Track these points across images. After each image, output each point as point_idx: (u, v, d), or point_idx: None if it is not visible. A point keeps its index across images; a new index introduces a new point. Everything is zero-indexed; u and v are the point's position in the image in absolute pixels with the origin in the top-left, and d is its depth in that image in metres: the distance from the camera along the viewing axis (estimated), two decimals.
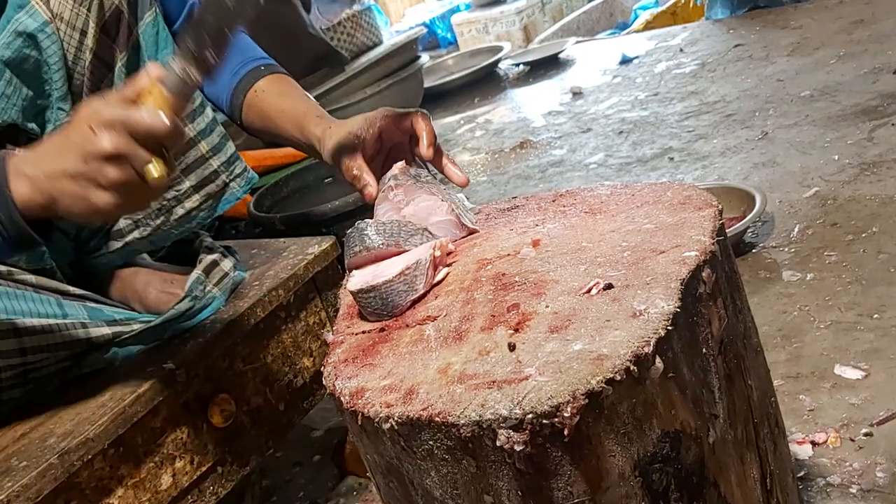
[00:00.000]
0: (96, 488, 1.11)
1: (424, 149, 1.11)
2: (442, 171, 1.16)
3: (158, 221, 1.30)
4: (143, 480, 1.16)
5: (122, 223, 1.28)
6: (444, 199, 1.06)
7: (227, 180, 1.32)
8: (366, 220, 1.01)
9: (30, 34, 1.10)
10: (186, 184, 1.29)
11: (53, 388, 1.22)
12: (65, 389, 1.21)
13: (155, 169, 0.88)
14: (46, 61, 1.12)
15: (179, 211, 1.30)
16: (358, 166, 1.12)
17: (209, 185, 1.30)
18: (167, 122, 0.87)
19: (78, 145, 0.86)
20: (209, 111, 1.30)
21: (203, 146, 1.28)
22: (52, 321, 1.15)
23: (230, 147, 1.33)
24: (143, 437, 1.16)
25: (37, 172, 0.90)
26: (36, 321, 1.14)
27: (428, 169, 1.15)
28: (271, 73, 1.28)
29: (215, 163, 1.30)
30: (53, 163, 0.88)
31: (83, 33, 1.14)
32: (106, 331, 1.22)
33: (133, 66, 1.20)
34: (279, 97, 1.25)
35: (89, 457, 1.08)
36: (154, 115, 0.87)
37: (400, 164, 1.09)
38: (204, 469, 1.23)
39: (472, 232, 1.07)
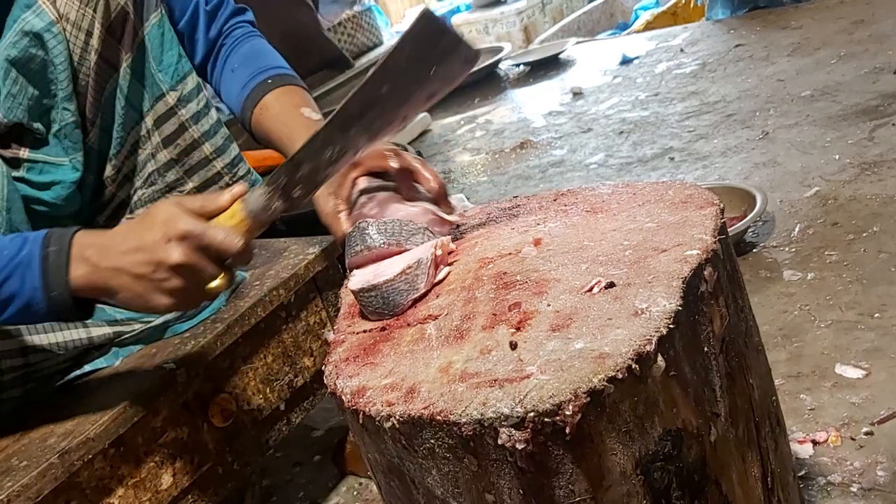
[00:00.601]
0: (97, 488, 1.10)
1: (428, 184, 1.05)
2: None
3: None
4: (143, 480, 1.15)
5: None
6: (414, 204, 1.04)
7: (230, 182, 1.32)
8: (367, 219, 1.01)
9: (36, 34, 1.10)
10: (190, 185, 1.28)
11: (54, 388, 1.22)
12: (65, 389, 1.22)
13: (218, 281, 0.93)
14: (52, 61, 1.12)
15: None
16: (332, 214, 1.08)
17: (212, 186, 1.30)
18: (241, 245, 0.91)
19: (149, 250, 0.90)
20: (213, 113, 1.30)
21: (207, 147, 1.28)
22: None
23: (234, 149, 1.33)
24: (144, 436, 1.16)
25: (100, 262, 0.93)
26: None
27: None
28: (278, 87, 1.24)
29: (219, 164, 1.30)
30: (120, 259, 0.92)
31: (89, 34, 1.14)
32: (107, 330, 1.22)
33: (138, 68, 1.20)
34: (278, 118, 1.21)
35: (90, 456, 1.08)
36: (229, 236, 0.91)
37: (363, 178, 1.06)
38: (204, 469, 1.23)
39: (453, 224, 1.06)
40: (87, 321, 1.20)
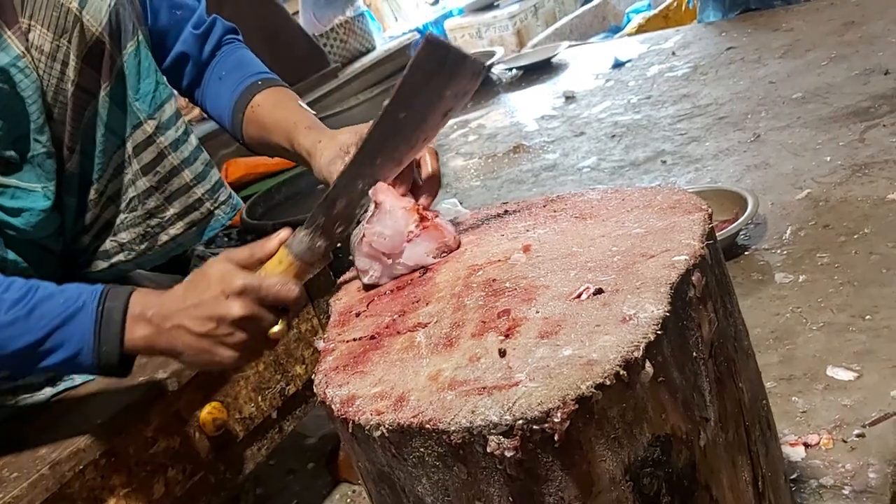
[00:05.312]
0: (88, 498, 1.10)
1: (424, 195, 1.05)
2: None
3: (143, 247, 1.30)
4: (135, 490, 1.15)
5: (108, 245, 1.28)
6: (403, 202, 1.00)
7: (212, 208, 1.31)
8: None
9: (2, 68, 1.08)
10: (171, 211, 1.28)
11: (45, 399, 1.21)
12: (56, 400, 1.21)
13: (278, 327, 0.96)
14: (20, 95, 1.10)
15: (164, 237, 1.30)
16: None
17: (193, 212, 1.30)
18: (297, 292, 0.94)
19: (209, 307, 0.92)
20: (193, 139, 1.29)
21: (187, 174, 1.28)
22: None
23: (214, 174, 1.32)
24: (135, 446, 1.15)
25: (162, 322, 0.95)
26: None
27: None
28: (268, 87, 1.25)
29: (199, 191, 1.29)
30: (182, 318, 0.94)
31: (64, 64, 1.12)
32: None
33: (117, 95, 1.19)
34: (273, 109, 1.22)
35: (81, 467, 1.08)
36: (284, 285, 0.94)
37: (378, 185, 1.02)
38: (196, 478, 1.23)
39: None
40: None
